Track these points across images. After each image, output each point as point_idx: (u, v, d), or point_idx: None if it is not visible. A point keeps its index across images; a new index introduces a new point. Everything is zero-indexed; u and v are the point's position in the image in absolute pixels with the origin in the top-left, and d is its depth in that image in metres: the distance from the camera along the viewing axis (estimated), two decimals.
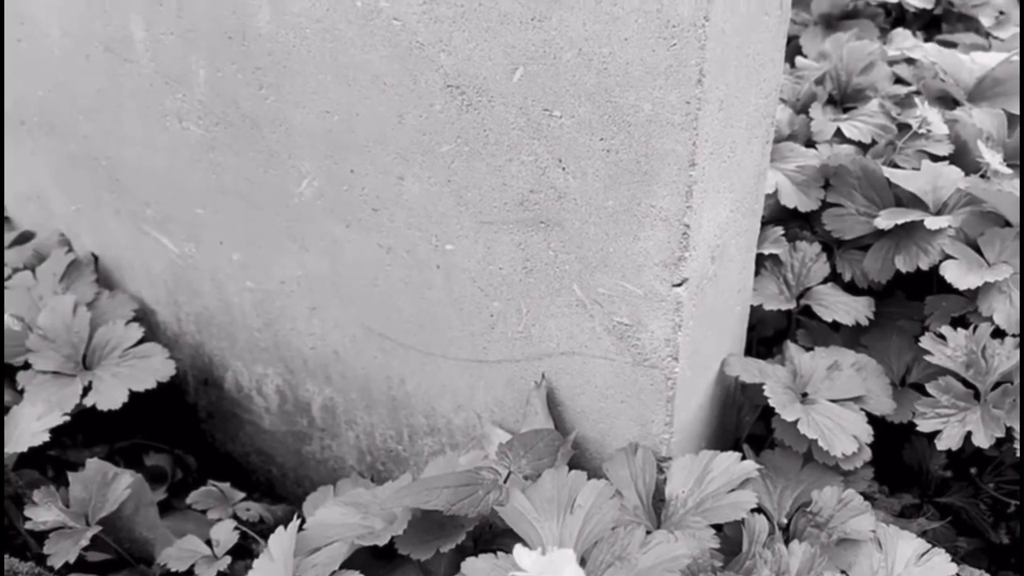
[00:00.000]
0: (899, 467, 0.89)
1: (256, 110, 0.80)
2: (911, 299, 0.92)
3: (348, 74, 0.72)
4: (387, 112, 0.72)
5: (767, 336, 0.95)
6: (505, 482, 0.68)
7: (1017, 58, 1.05)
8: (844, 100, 1.07)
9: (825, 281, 0.89)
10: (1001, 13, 1.33)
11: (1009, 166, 0.94)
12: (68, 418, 0.83)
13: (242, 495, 0.94)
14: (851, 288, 0.90)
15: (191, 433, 1.11)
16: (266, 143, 0.81)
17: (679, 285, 0.67)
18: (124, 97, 0.87)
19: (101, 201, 0.98)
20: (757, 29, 0.63)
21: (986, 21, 1.27)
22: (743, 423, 0.87)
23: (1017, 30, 1.27)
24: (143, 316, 1.02)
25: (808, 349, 0.83)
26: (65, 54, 0.89)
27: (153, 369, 0.93)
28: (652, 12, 0.57)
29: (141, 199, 0.94)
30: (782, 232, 0.89)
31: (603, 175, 0.65)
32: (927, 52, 1.05)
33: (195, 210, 0.91)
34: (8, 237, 1.06)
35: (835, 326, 0.88)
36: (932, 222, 0.81)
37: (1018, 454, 0.72)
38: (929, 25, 1.32)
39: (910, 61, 1.08)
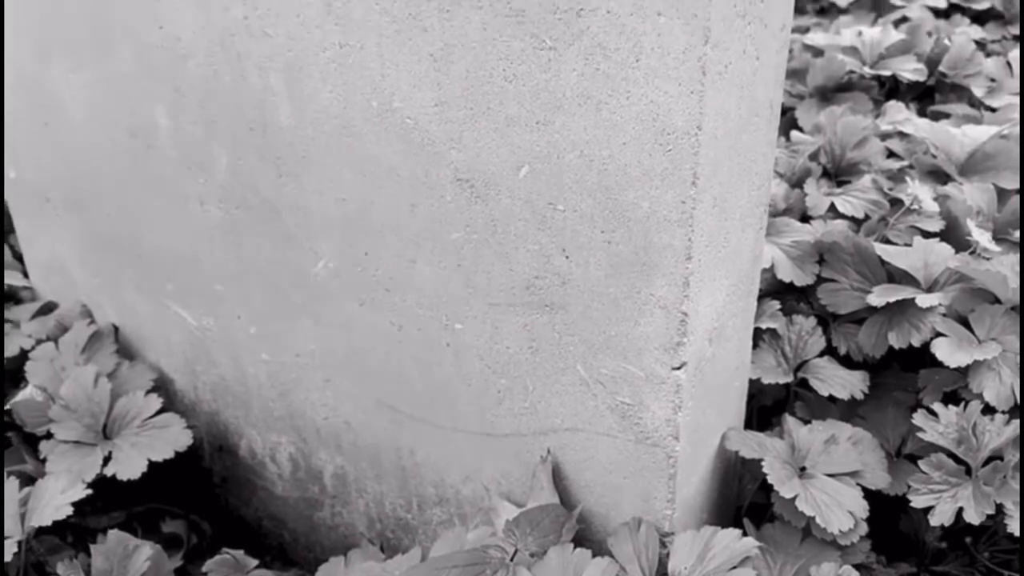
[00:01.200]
0: (896, 536, 0.91)
1: (276, 196, 0.84)
2: (906, 370, 0.94)
3: (364, 166, 0.76)
4: (400, 201, 0.76)
5: (766, 405, 0.98)
6: (512, 560, 0.70)
7: (1009, 131, 1.09)
8: (838, 173, 1.11)
9: (822, 354, 0.91)
10: (993, 81, 1.38)
11: (999, 240, 0.97)
12: (90, 491, 0.86)
13: (255, 562, 0.96)
14: (847, 360, 0.93)
15: (206, 497, 1.13)
16: (285, 226, 0.85)
17: (678, 368, 0.70)
18: (148, 180, 0.92)
19: (123, 275, 1.02)
20: (748, 130, 0.67)
21: (978, 91, 1.31)
22: (744, 492, 0.90)
23: (1009, 99, 1.31)
24: (161, 384, 1.06)
25: (806, 422, 0.86)
26: (91, 138, 0.94)
27: (171, 439, 0.96)
28: (648, 120, 0.61)
29: (162, 274, 0.98)
30: (779, 307, 0.92)
31: (605, 264, 0.69)
32: (919, 127, 1.08)
33: (214, 286, 0.94)
34: (31, 308, 1.09)
35: (832, 397, 0.91)
36: (923, 300, 0.85)
37: (1008, 529, 0.74)
38: (923, 95, 1.37)
39: (903, 135, 1.12)
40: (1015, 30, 1.64)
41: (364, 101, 0.73)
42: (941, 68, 1.33)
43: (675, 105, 0.60)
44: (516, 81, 0.65)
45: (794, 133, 1.16)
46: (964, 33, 1.54)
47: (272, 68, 0.76)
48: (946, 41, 1.35)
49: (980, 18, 1.68)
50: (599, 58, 0.61)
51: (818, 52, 1.39)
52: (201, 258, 0.93)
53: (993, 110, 1.31)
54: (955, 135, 1.09)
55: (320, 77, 0.74)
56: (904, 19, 1.61)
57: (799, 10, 1.79)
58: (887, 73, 1.28)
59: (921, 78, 1.27)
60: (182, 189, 0.90)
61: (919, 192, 0.94)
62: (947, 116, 1.27)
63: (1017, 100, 1.29)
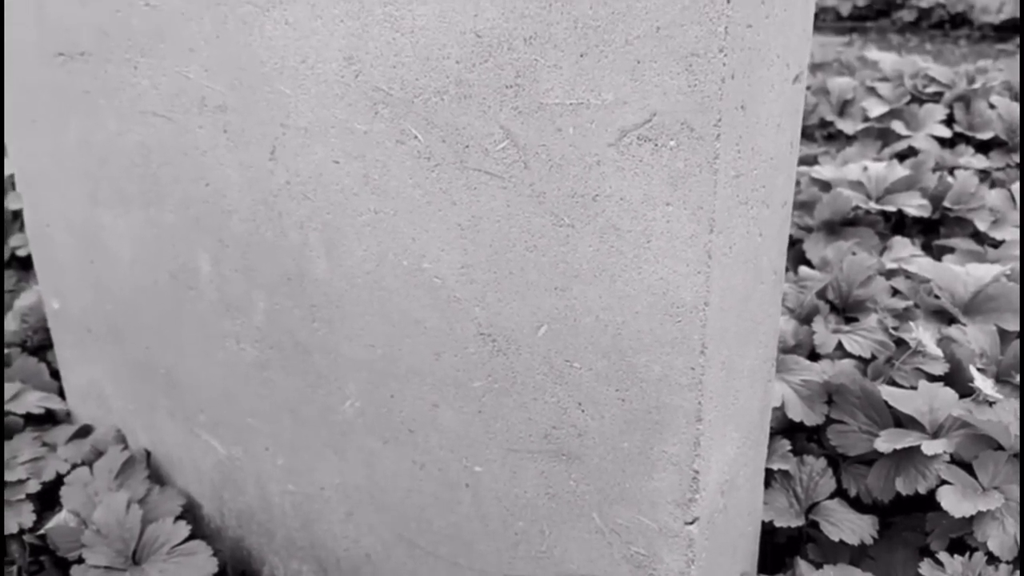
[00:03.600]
0: None
1: (308, 339, 0.88)
2: (915, 510, 0.96)
3: (392, 317, 0.81)
4: (426, 350, 0.81)
5: (780, 543, 1.00)
6: None
7: (1011, 271, 1.14)
8: (846, 309, 1.15)
9: (832, 496, 0.94)
10: (994, 212, 1.42)
11: (1002, 382, 1.00)
12: None
13: None
14: (857, 502, 0.95)
15: None
16: (315, 367, 0.90)
17: (691, 523, 0.73)
18: (187, 318, 0.97)
19: (158, 404, 1.06)
20: (753, 297, 0.72)
21: (981, 225, 1.35)
22: None
23: (1012, 232, 1.35)
24: (189, 509, 1.09)
25: (818, 565, 0.88)
26: (134, 278, 0.99)
27: (197, 567, 0.99)
28: (659, 294, 0.66)
29: (196, 405, 1.02)
30: (789, 447, 0.95)
31: (619, 420, 0.73)
32: (923, 267, 1.13)
33: (245, 419, 0.99)
34: (68, 431, 1.14)
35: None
36: (928, 447, 0.87)
37: None
38: (928, 229, 1.42)
39: (908, 274, 1.16)
40: (1019, 157, 1.70)
41: (395, 260, 0.79)
42: (945, 203, 1.38)
43: (683, 282, 0.65)
44: (536, 252, 0.71)
45: (802, 268, 1.21)
46: (968, 166, 1.60)
47: (311, 227, 0.82)
48: (949, 179, 1.41)
49: (984, 147, 1.75)
50: (613, 237, 0.66)
51: (825, 185, 1.45)
52: (234, 392, 0.98)
53: (996, 244, 1.36)
54: (958, 274, 1.13)
55: (355, 237, 0.80)
56: (910, 149, 1.67)
57: (807, 136, 1.86)
58: (892, 209, 1.33)
59: (925, 214, 1.33)
60: (220, 328, 0.95)
61: (923, 337, 0.97)
62: (952, 250, 1.32)
63: (1019, 236, 1.34)
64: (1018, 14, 4.30)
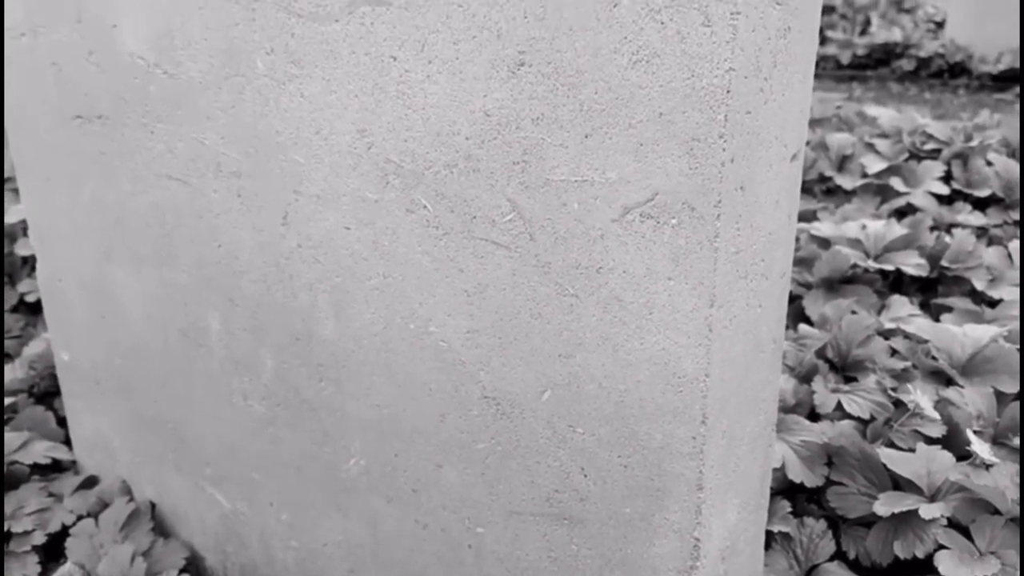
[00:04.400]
0: None
1: (315, 398, 0.90)
2: (915, 574, 0.97)
3: (398, 378, 0.83)
4: (430, 411, 0.82)
5: None
6: None
7: (1009, 332, 1.15)
8: (845, 368, 1.16)
9: (832, 558, 0.95)
10: (991, 271, 1.44)
11: (999, 445, 1.01)
12: None
13: None
14: (856, 564, 0.96)
15: None
16: (321, 425, 0.91)
17: None
18: (195, 374, 0.99)
19: (165, 457, 1.07)
20: (753, 367, 0.73)
21: (979, 284, 1.37)
22: None
23: (1009, 291, 1.37)
24: (192, 562, 1.10)
25: None
26: (145, 333, 1.01)
27: None
28: (661, 364, 0.68)
29: (202, 459, 1.03)
30: (790, 509, 0.96)
31: (621, 486, 0.74)
32: (920, 328, 1.14)
33: (251, 474, 1.00)
34: (74, 482, 1.15)
35: None
36: (926, 511, 0.88)
37: None
38: (926, 288, 1.43)
39: (907, 335, 1.18)
40: (1016, 214, 1.72)
41: (402, 323, 0.80)
42: (943, 262, 1.40)
43: (685, 354, 0.66)
44: (541, 319, 0.72)
45: (802, 326, 1.23)
46: (966, 223, 1.62)
47: (320, 289, 0.84)
48: (947, 238, 1.43)
49: (982, 204, 1.77)
50: (616, 308, 0.68)
51: (824, 242, 1.47)
52: (240, 447, 0.99)
53: (994, 303, 1.37)
54: (956, 335, 1.15)
55: (364, 300, 0.82)
56: (908, 206, 1.70)
57: (806, 191, 1.89)
58: (891, 267, 1.35)
59: (923, 273, 1.35)
60: (228, 385, 0.96)
61: (920, 400, 0.99)
62: (950, 310, 1.34)
63: (1017, 296, 1.35)
64: (1016, 65, 4.36)
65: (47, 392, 1.43)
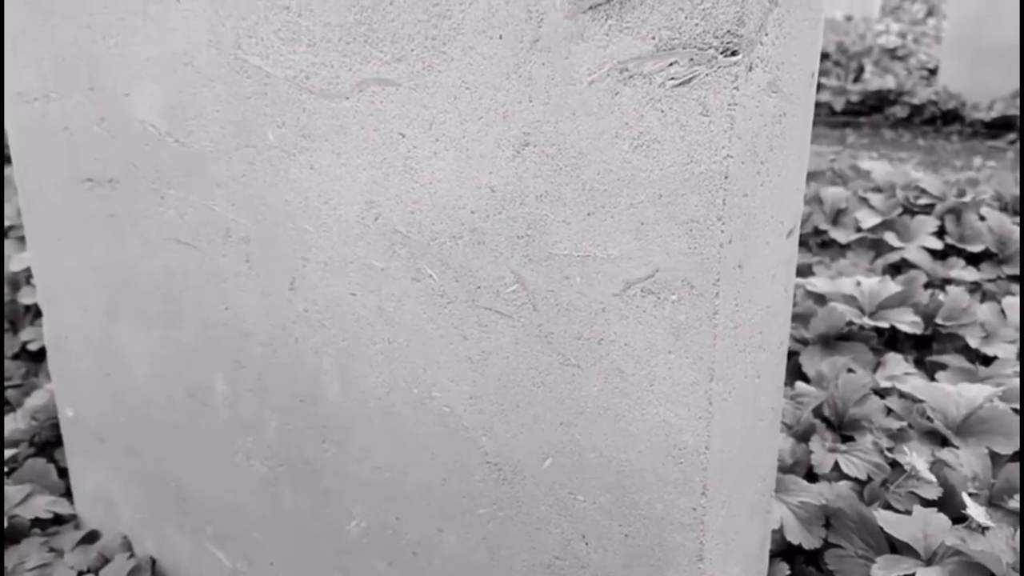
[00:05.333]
0: None
1: (318, 459, 0.91)
2: None
3: (401, 441, 0.84)
4: (433, 475, 0.83)
5: None
6: None
7: (1004, 393, 1.17)
8: (842, 427, 1.17)
9: None
10: (985, 327, 1.46)
11: (995, 507, 1.02)
12: None
13: None
14: None
15: None
16: (323, 486, 0.92)
17: None
18: (199, 433, 0.99)
19: (166, 514, 1.08)
20: (752, 436, 0.75)
21: (973, 341, 1.39)
22: None
23: (1003, 347, 1.39)
24: None
25: None
26: (150, 392, 1.02)
27: None
28: (662, 436, 0.69)
29: (204, 517, 1.04)
30: (788, 571, 0.97)
31: (622, 555, 0.75)
32: (916, 388, 1.16)
33: (252, 533, 1.00)
34: (74, 536, 1.15)
35: None
36: (923, 575, 0.89)
37: None
38: (921, 344, 1.45)
39: (902, 393, 1.19)
40: (1009, 269, 1.74)
41: (406, 388, 0.82)
42: (937, 320, 1.42)
43: (685, 426, 0.68)
44: (544, 388, 0.74)
45: (799, 384, 1.24)
46: (960, 279, 1.64)
47: (326, 353, 0.85)
48: (941, 296, 1.45)
49: (975, 258, 1.80)
50: (617, 379, 0.70)
51: (820, 298, 1.49)
52: (242, 506, 1.00)
53: (988, 360, 1.39)
54: (950, 394, 1.16)
55: (368, 364, 0.83)
56: (903, 261, 1.72)
57: (802, 244, 1.91)
58: (886, 325, 1.37)
59: (918, 331, 1.36)
60: (231, 444, 0.97)
61: (916, 462, 1.00)
62: (944, 367, 1.35)
63: (1010, 353, 1.37)
64: (1008, 112, 4.42)
65: (48, 442, 1.44)
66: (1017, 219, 1.93)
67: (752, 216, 0.65)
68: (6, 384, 1.60)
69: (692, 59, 0.57)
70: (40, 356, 1.72)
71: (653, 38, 0.58)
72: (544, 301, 0.71)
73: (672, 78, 0.59)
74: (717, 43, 0.56)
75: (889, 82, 5.05)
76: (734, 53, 0.56)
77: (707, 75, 0.57)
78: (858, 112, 5.12)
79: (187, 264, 0.91)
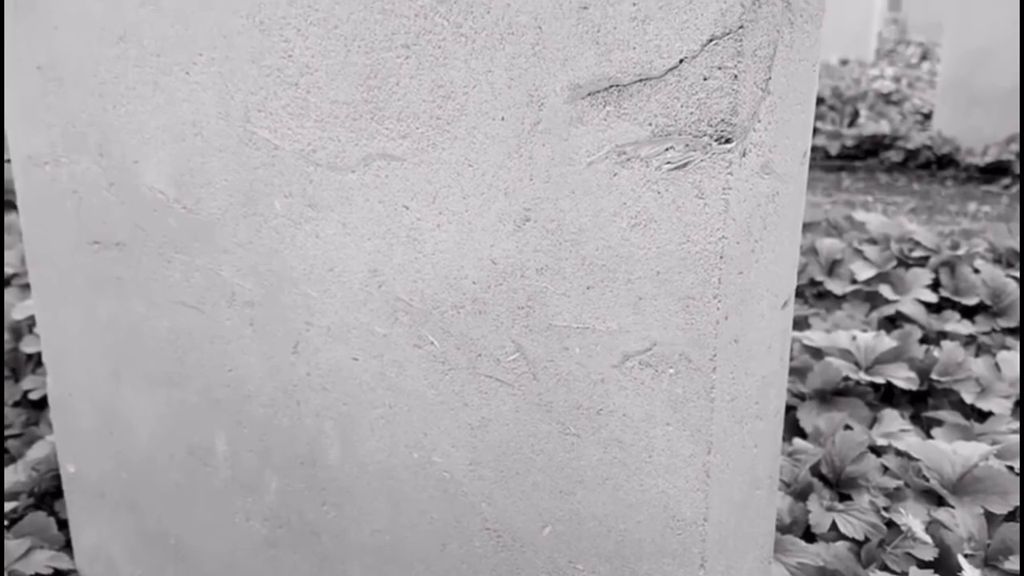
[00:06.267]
0: None
1: (317, 520, 0.91)
2: None
3: (401, 505, 0.85)
4: (432, 540, 0.84)
5: None
6: None
7: (1000, 451, 1.18)
8: (839, 485, 1.18)
9: None
10: (980, 382, 1.47)
11: (991, 567, 1.03)
12: None
13: None
14: None
15: None
16: (323, 547, 0.92)
17: None
18: (200, 492, 1.00)
19: (166, 572, 1.08)
20: (751, 504, 0.75)
21: (968, 397, 1.40)
22: None
23: (998, 402, 1.40)
24: None
25: None
26: (152, 450, 1.03)
27: None
28: (660, 507, 0.70)
29: (202, 575, 1.04)
30: None
31: None
32: (911, 446, 1.17)
33: None
34: None
35: None
36: None
37: None
38: (916, 399, 1.46)
39: (899, 451, 1.20)
40: (1004, 322, 1.76)
41: (406, 452, 0.83)
42: (933, 375, 1.43)
43: (683, 498, 0.69)
44: (543, 456, 0.75)
45: (796, 440, 1.25)
46: (955, 332, 1.66)
47: (327, 416, 0.86)
48: (936, 352, 1.47)
49: (970, 311, 1.81)
50: (616, 449, 0.71)
51: (816, 352, 1.51)
52: (241, 566, 1.00)
53: (983, 415, 1.40)
54: (946, 453, 1.17)
55: (369, 428, 0.84)
56: (898, 313, 1.74)
57: (798, 295, 1.93)
58: (881, 380, 1.38)
59: (913, 387, 1.37)
60: (231, 504, 0.98)
61: (912, 523, 1.00)
62: (940, 423, 1.36)
63: (1005, 408, 1.38)
64: (1003, 157, 4.47)
65: (48, 492, 1.44)
66: (1011, 271, 1.95)
67: (747, 292, 0.66)
68: (7, 434, 1.60)
69: (687, 145, 0.59)
70: (41, 405, 1.73)
71: (650, 124, 0.60)
72: (544, 370, 0.72)
73: (668, 162, 0.60)
74: (711, 131, 0.58)
75: (884, 127, 5.11)
76: (728, 141, 0.58)
77: (702, 160, 0.59)
78: (853, 156, 5.17)
79: (192, 326, 0.92)
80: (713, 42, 0.56)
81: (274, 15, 0.74)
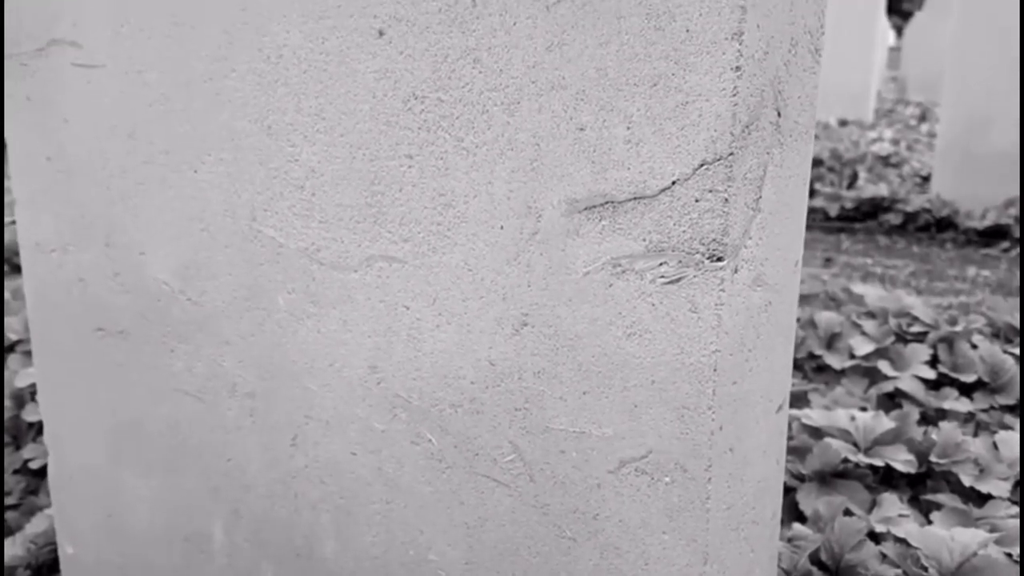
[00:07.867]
0: None
1: None
2: None
3: None
4: None
5: None
6: None
7: (1000, 538, 1.17)
8: (838, 572, 1.17)
9: None
10: (979, 463, 1.47)
11: None
12: None
13: None
14: None
15: None
16: None
17: None
18: None
19: None
20: None
21: (967, 479, 1.40)
22: None
23: (997, 484, 1.40)
24: None
25: None
26: (149, 535, 1.03)
27: None
28: None
29: None
30: None
31: None
32: (909, 533, 1.16)
33: None
34: None
35: None
36: None
37: None
38: (915, 481, 1.46)
39: (897, 538, 1.20)
40: (1002, 399, 1.76)
41: (402, 549, 0.83)
42: (931, 457, 1.43)
43: None
44: (540, 558, 0.75)
45: (796, 525, 1.24)
46: (953, 411, 1.66)
47: (324, 509, 0.86)
48: (934, 436, 1.47)
49: (968, 388, 1.82)
50: (612, 555, 0.71)
51: (815, 431, 1.51)
52: None
53: (981, 496, 1.39)
54: (944, 540, 1.16)
55: (365, 523, 0.84)
56: (896, 390, 1.74)
57: (797, 368, 1.94)
58: (880, 463, 1.38)
59: (912, 470, 1.37)
60: None
61: None
62: (939, 507, 1.36)
63: (1004, 491, 1.38)
64: (1001, 220, 4.50)
65: (44, 565, 1.43)
66: (1009, 347, 1.96)
67: (742, 401, 0.67)
68: (6, 504, 1.59)
69: (681, 261, 0.61)
70: (41, 473, 1.72)
71: (644, 240, 0.62)
72: (541, 472, 0.73)
73: (662, 276, 0.62)
74: (704, 249, 0.60)
75: (883, 189, 5.16)
76: (720, 259, 0.59)
77: (695, 276, 0.61)
78: (852, 218, 5.21)
79: (192, 415, 0.93)
80: (704, 167, 0.58)
81: (282, 121, 0.76)
